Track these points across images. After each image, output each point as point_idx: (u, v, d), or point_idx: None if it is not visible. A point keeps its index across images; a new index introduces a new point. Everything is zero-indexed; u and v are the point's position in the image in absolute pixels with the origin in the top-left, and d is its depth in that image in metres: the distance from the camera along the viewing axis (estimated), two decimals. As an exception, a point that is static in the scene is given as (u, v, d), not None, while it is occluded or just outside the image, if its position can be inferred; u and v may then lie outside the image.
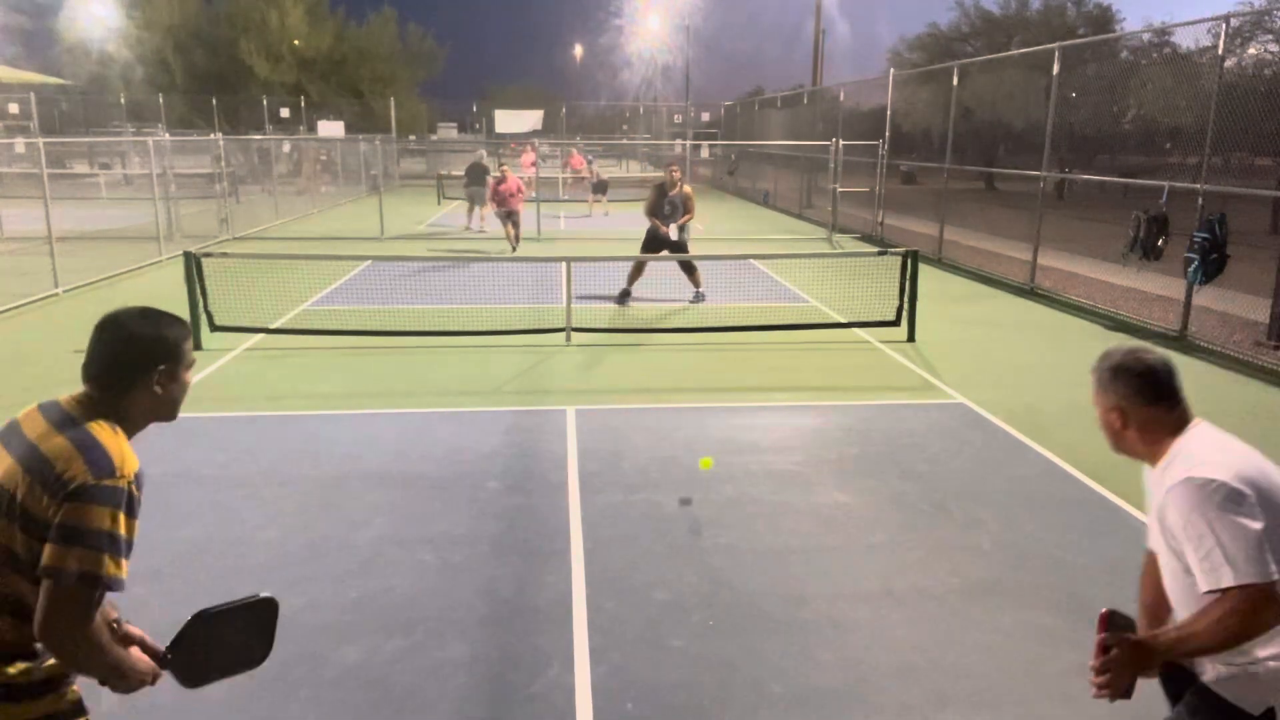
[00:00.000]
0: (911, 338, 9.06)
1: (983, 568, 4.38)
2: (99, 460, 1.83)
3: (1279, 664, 1.96)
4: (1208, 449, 2.05)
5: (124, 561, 1.84)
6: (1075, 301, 11.39)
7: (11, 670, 1.85)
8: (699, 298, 10.93)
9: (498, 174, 15.66)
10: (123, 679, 1.93)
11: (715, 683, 3.47)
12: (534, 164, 22.79)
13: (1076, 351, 8.85)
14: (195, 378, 7.48)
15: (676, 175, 10.93)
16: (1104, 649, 2.01)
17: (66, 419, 1.90)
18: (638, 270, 10.96)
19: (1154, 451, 2.16)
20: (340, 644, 3.70)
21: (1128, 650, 1.99)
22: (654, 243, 10.89)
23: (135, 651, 2.02)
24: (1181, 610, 2.10)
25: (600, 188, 23.09)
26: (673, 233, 10.76)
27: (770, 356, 8.45)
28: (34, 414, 1.96)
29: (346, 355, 8.33)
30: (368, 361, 8.17)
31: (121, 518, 1.82)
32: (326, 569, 4.30)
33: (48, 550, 1.77)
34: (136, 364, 1.97)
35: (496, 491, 5.25)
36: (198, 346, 8.45)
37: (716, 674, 3.53)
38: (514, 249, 15.36)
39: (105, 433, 1.89)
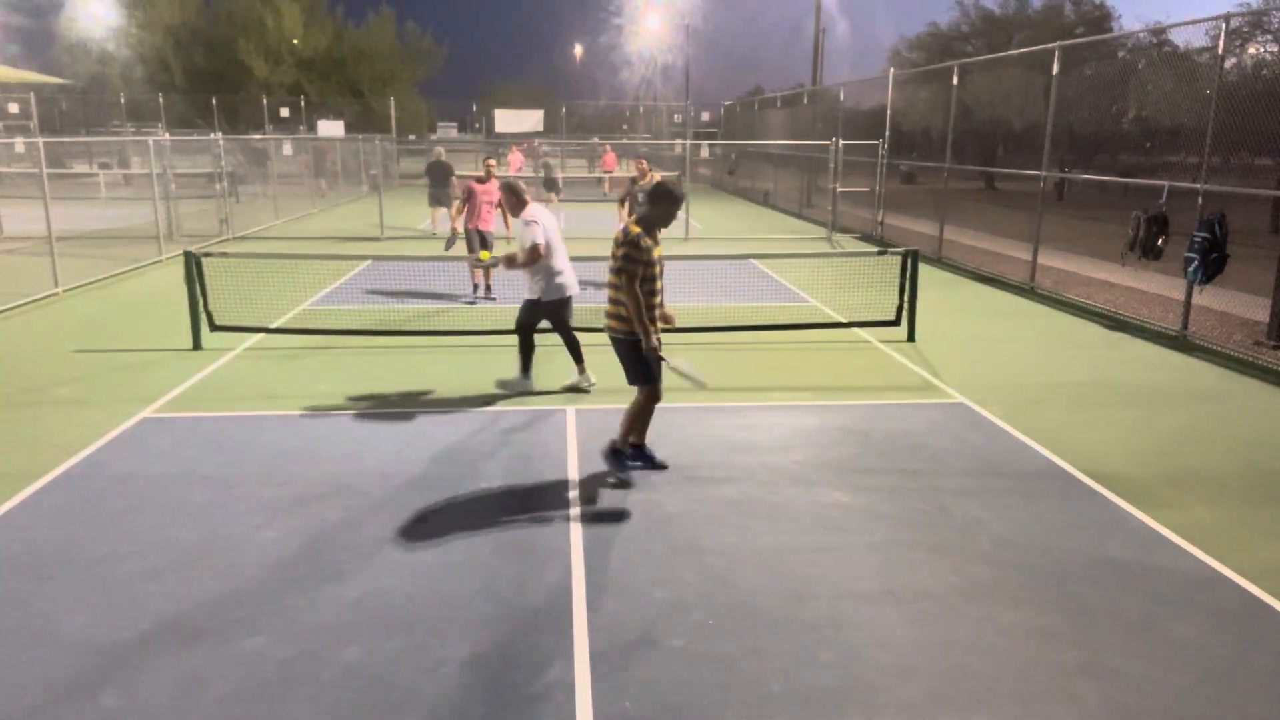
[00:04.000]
0: (911, 337, 9.06)
1: (983, 567, 4.39)
2: (625, 230, 5.21)
3: (554, 285, 6.91)
4: (538, 210, 6.95)
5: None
6: (1075, 301, 11.39)
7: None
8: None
9: (481, 172, 11.03)
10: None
11: (715, 683, 3.48)
12: (520, 167, 22.36)
13: (1076, 351, 8.85)
14: (194, 377, 7.50)
15: (644, 166, 11.57)
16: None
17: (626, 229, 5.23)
18: None
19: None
20: (340, 644, 3.70)
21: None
22: None
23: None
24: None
25: (550, 185, 22.56)
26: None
27: (770, 356, 8.45)
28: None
29: (346, 355, 8.33)
30: (368, 361, 8.17)
31: (630, 249, 5.11)
32: (326, 568, 4.30)
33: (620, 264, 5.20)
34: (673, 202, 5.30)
35: (496, 491, 5.25)
36: (197, 346, 8.46)
37: (716, 674, 3.53)
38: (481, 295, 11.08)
39: (631, 225, 5.18)
